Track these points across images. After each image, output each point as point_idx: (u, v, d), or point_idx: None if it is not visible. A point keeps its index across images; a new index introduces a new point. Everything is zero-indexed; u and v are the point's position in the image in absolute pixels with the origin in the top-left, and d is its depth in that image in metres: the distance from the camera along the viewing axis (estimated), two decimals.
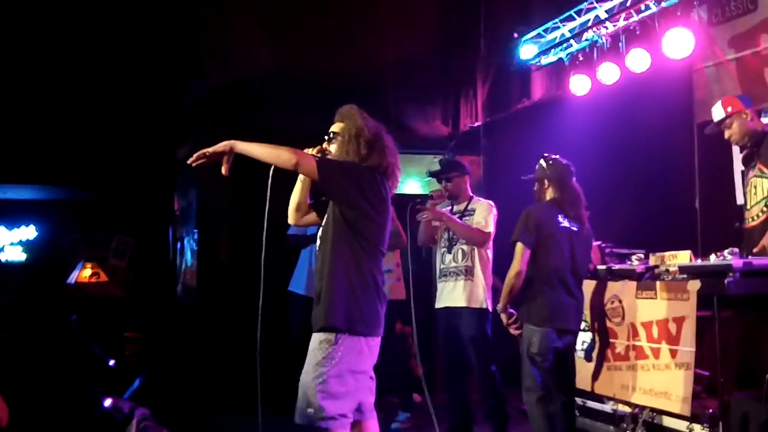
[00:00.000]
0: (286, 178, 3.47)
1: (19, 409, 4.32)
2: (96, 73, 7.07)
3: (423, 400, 5.26)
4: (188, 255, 7.87)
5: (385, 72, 7.12)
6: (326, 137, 3.58)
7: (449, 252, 4.93)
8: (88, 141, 8.58)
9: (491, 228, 4.83)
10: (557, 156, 4.47)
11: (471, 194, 5.02)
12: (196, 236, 7.22)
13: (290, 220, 3.73)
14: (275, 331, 4.05)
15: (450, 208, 5.02)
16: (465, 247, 4.85)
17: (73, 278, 10.09)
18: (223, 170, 3.29)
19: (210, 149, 3.28)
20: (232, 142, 3.30)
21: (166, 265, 9.69)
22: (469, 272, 4.82)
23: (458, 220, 4.85)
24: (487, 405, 4.84)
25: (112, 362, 7.21)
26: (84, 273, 10.07)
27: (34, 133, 8.36)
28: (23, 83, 7.21)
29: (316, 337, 3.33)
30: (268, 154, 3.32)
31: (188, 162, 3.32)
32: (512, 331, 4.34)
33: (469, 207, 4.94)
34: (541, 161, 4.47)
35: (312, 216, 3.67)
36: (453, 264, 4.89)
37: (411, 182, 8.11)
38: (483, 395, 4.86)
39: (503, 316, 4.33)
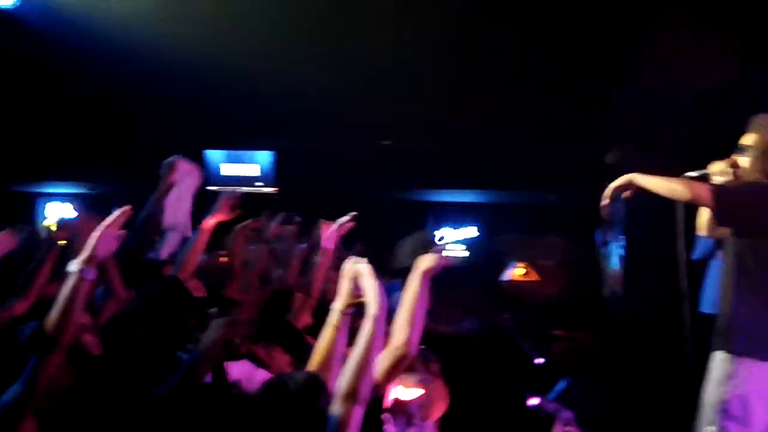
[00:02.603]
0: None
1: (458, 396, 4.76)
2: (526, 84, 7.37)
3: None
4: (615, 260, 7.79)
5: None
6: (737, 150, 3.31)
7: None
8: (522, 148, 9.09)
9: None
10: None
11: None
12: (623, 242, 7.12)
13: (700, 233, 3.58)
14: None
15: None
16: None
17: (506, 276, 10.69)
18: (624, 196, 3.43)
19: (614, 185, 3.42)
20: (633, 176, 3.38)
21: (593, 268, 9.72)
22: None
23: None
24: None
25: (540, 360, 7.49)
26: (517, 272, 10.59)
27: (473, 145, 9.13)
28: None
29: (717, 357, 3.23)
30: (664, 188, 3.29)
31: (601, 206, 3.49)
32: None
33: None
34: None
35: (723, 229, 3.45)
36: None
37: None
38: None
39: None
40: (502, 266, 11.28)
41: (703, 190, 3.21)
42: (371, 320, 2.47)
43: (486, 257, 11.72)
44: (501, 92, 7.60)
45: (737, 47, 5.86)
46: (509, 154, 9.35)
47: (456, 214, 12.01)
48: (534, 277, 10.67)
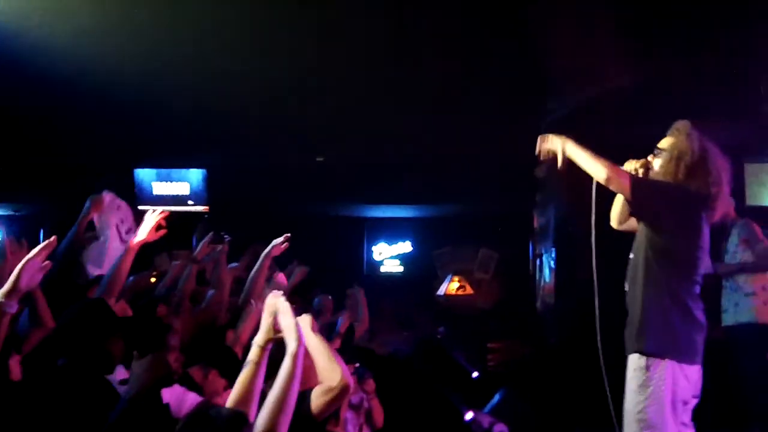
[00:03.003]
0: None
1: (390, 415, 4.77)
2: (457, 99, 7.45)
3: None
4: (546, 272, 7.93)
5: (759, 71, 6.42)
6: (654, 152, 3.44)
7: None
8: (454, 162, 9.18)
9: None
10: None
11: None
12: (554, 254, 7.25)
13: (612, 224, 3.67)
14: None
15: None
16: None
17: (442, 290, 10.77)
18: (559, 164, 3.41)
19: (547, 144, 3.46)
20: (566, 142, 3.41)
21: (526, 280, 9.88)
22: None
23: None
24: None
25: (475, 374, 7.56)
26: (452, 285, 10.68)
27: (407, 161, 9.20)
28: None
29: (631, 361, 3.27)
30: (588, 163, 3.34)
31: (536, 152, 3.50)
32: None
33: None
34: None
35: (633, 222, 3.55)
36: None
37: None
38: None
39: None
40: (437, 280, 11.36)
41: (622, 175, 3.30)
42: (290, 358, 2.47)
43: (421, 272, 11.78)
44: (432, 107, 7.67)
45: (653, 53, 6.06)
46: (442, 169, 9.43)
47: (390, 229, 12.05)
48: (469, 290, 10.77)
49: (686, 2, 5.85)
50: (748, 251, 5.72)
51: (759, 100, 6.44)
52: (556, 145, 3.42)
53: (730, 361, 5.78)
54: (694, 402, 3.32)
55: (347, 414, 4.34)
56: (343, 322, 5.56)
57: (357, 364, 4.60)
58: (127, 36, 6.33)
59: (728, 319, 5.81)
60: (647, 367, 3.20)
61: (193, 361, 4.00)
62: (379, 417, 4.71)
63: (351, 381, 2.87)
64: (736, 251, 5.79)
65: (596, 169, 3.31)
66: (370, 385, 4.57)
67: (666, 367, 3.18)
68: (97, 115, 7.86)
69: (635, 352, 3.25)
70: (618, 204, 3.63)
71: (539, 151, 3.49)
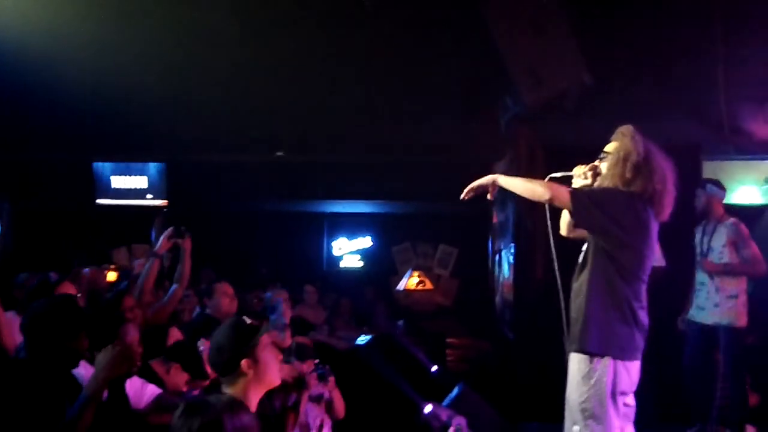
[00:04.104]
0: None
1: (349, 410, 4.79)
2: (417, 96, 7.50)
3: None
4: (505, 268, 8.01)
5: (715, 70, 6.57)
6: (599, 157, 3.56)
7: None
8: (414, 158, 9.23)
9: None
10: None
11: None
12: (513, 250, 7.33)
13: (562, 232, 3.77)
14: None
15: None
16: None
17: (402, 285, 10.81)
18: (489, 196, 3.62)
19: (476, 183, 3.61)
20: (495, 176, 3.60)
21: (486, 276, 9.97)
22: None
23: None
24: None
25: (434, 368, 7.61)
26: (411, 281, 10.72)
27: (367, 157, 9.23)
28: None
29: (573, 357, 3.40)
30: (525, 190, 3.53)
31: (461, 197, 3.66)
32: None
33: None
34: None
35: (582, 230, 3.66)
36: None
37: (745, 190, 7.44)
38: None
39: None
40: (397, 276, 11.40)
41: (561, 192, 3.41)
42: None
43: (380, 267, 11.81)
44: (393, 103, 7.71)
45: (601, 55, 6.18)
46: (402, 164, 9.47)
47: (350, 225, 12.05)
48: (429, 285, 10.83)
49: (639, 2, 5.99)
50: (734, 253, 5.72)
51: (715, 99, 6.59)
52: (486, 180, 3.58)
53: (696, 356, 5.86)
54: (632, 403, 3.43)
55: (308, 406, 4.36)
56: (284, 312, 5.61)
57: (317, 360, 4.63)
58: (83, 30, 6.27)
59: (703, 317, 5.82)
60: (590, 361, 3.32)
61: (154, 355, 4.00)
62: (340, 408, 4.74)
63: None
64: (722, 251, 5.77)
65: (535, 192, 3.46)
66: (331, 382, 4.59)
67: (608, 362, 3.30)
68: (55, 109, 7.75)
69: (578, 351, 3.37)
70: (566, 216, 3.73)
71: (468, 190, 3.60)
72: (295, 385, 4.14)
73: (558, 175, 3.68)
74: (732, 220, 5.86)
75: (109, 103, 7.65)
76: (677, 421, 5.92)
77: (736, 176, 7.41)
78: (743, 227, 5.81)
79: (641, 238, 3.39)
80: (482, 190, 3.60)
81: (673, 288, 5.89)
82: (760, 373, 6.31)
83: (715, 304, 5.74)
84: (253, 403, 2.67)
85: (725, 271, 5.74)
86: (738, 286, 5.72)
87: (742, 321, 5.70)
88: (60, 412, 2.79)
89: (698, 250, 5.93)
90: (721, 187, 5.92)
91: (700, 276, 5.90)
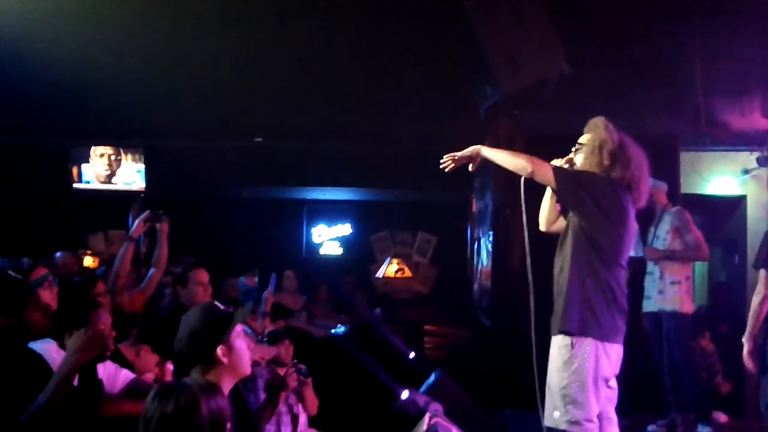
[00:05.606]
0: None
1: (325, 398, 4.81)
2: (396, 83, 7.50)
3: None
4: (484, 255, 8.05)
5: (692, 62, 6.63)
6: (573, 148, 3.60)
7: None
8: (394, 147, 9.23)
9: None
10: None
11: None
12: (491, 237, 7.36)
13: (541, 227, 3.80)
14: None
15: None
16: None
17: (380, 273, 10.82)
18: (470, 168, 3.64)
19: (459, 153, 3.61)
20: (479, 147, 3.60)
21: (464, 264, 10.01)
22: None
23: None
24: None
25: (412, 355, 7.65)
26: (390, 268, 10.73)
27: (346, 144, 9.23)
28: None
29: (555, 342, 3.43)
30: (508, 161, 3.53)
31: (440, 165, 3.61)
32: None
33: None
34: None
35: (560, 224, 3.70)
36: None
37: (722, 181, 7.51)
38: None
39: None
40: (376, 264, 11.41)
41: (545, 167, 3.46)
42: None
43: (360, 254, 11.82)
44: (372, 90, 7.70)
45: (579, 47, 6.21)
46: (382, 152, 9.47)
47: (330, 212, 12.04)
48: (408, 273, 10.85)
49: None
50: (678, 239, 5.77)
51: (693, 91, 6.65)
52: (470, 151, 3.59)
53: (649, 346, 5.92)
54: (615, 390, 3.47)
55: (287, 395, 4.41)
56: (266, 299, 5.65)
57: (295, 360, 4.67)
58: (60, 13, 6.21)
59: (650, 305, 5.88)
60: (571, 345, 3.35)
61: (125, 339, 3.99)
62: (312, 406, 4.75)
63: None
64: (666, 238, 5.83)
65: (518, 164, 3.47)
66: (309, 383, 4.61)
67: (589, 344, 3.33)
68: (32, 94, 7.66)
69: (560, 332, 3.41)
70: (545, 207, 3.76)
71: (449, 159, 3.60)
72: (276, 387, 4.20)
73: None
74: (676, 208, 5.93)
75: (87, 87, 7.57)
76: (650, 411, 6.00)
77: (713, 167, 7.46)
78: (686, 214, 5.85)
79: (620, 222, 3.44)
80: (465, 160, 3.60)
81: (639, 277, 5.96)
82: (733, 362, 6.39)
83: (659, 290, 5.78)
84: (225, 392, 2.61)
85: (666, 256, 5.77)
86: (681, 272, 5.76)
87: (687, 307, 5.73)
88: (27, 394, 2.78)
89: (648, 239, 5.97)
90: (661, 180, 5.92)
91: (649, 266, 5.94)
